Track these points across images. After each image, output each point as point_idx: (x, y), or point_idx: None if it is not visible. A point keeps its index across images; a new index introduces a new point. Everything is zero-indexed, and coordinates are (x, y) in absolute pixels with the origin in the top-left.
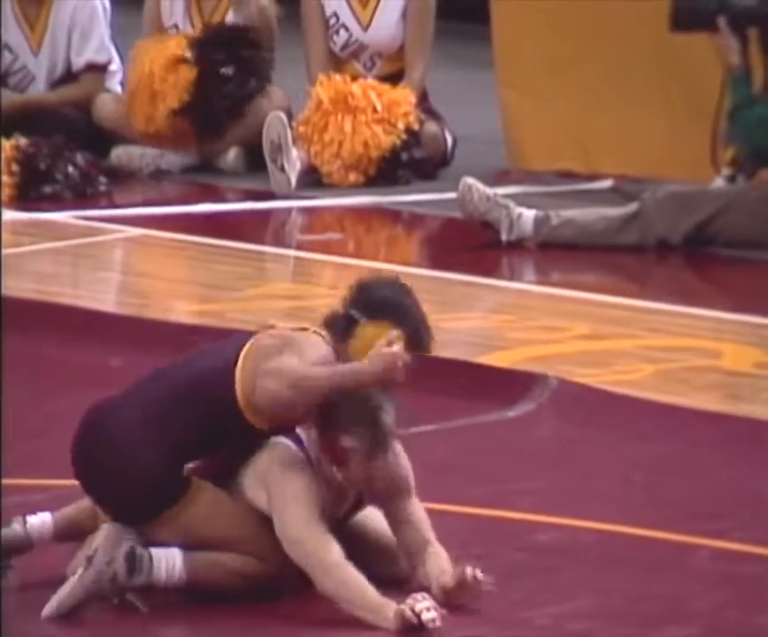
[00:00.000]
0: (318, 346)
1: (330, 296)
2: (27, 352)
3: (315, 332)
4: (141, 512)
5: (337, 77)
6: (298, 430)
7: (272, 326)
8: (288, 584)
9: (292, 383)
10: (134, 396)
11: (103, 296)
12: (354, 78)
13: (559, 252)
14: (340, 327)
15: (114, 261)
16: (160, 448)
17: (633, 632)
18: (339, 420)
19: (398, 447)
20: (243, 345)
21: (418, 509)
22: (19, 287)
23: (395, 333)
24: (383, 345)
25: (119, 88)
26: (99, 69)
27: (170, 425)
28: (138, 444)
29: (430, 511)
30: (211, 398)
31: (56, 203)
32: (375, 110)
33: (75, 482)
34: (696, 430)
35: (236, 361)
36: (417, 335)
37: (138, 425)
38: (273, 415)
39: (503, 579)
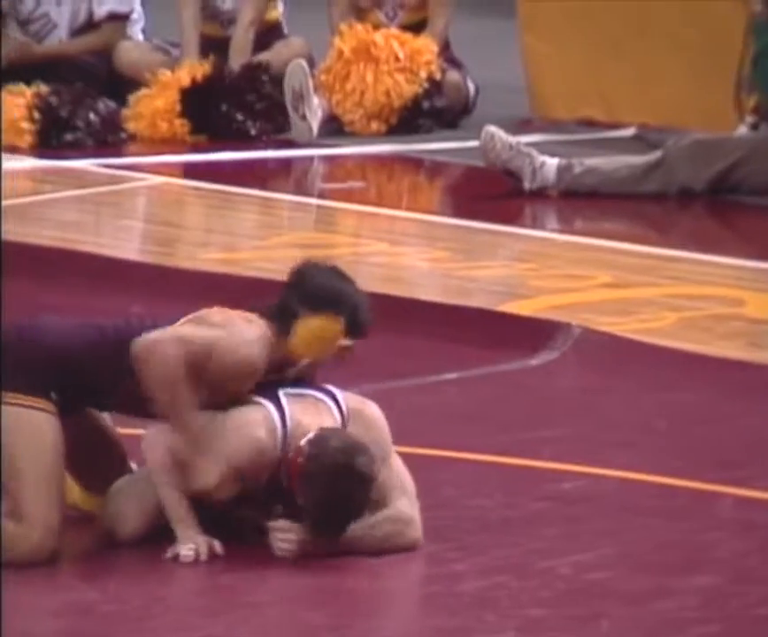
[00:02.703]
0: (254, 330)
1: (352, 245)
2: (48, 300)
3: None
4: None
5: (359, 26)
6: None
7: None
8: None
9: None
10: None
11: (125, 244)
12: (376, 28)
13: (582, 200)
14: (280, 320)
15: (136, 209)
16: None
17: (655, 580)
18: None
19: (374, 410)
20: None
21: (387, 474)
22: (41, 235)
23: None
24: None
25: (140, 36)
26: (120, 18)
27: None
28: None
29: (452, 460)
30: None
31: (77, 150)
32: (397, 59)
33: None
34: (719, 378)
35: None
36: (355, 321)
37: (66, 326)
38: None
39: (525, 528)
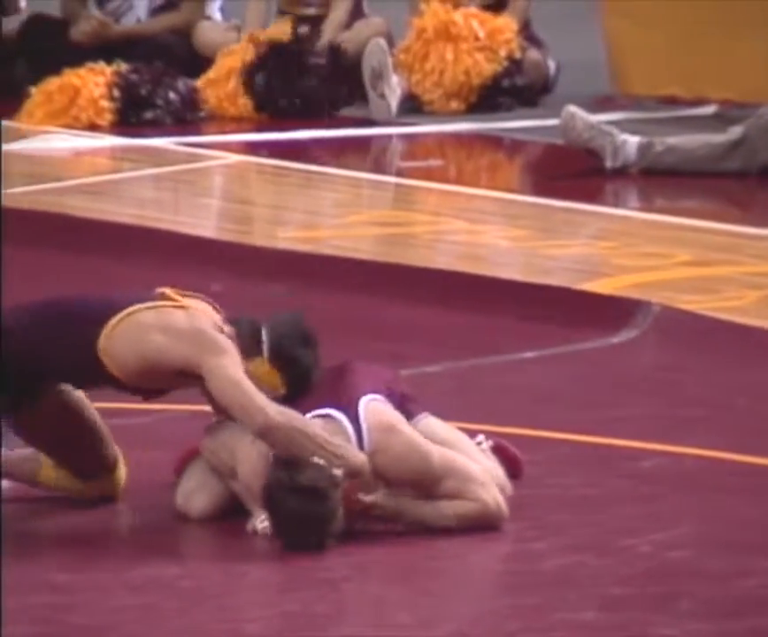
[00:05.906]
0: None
1: (431, 223)
2: (126, 276)
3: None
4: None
5: (439, 6)
6: None
7: (164, 295)
8: None
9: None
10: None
11: (203, 222)
12: (456, 7)
13: (663, 178)
14: (246, 340)
15: (214, 187)
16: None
17: (736, 559)
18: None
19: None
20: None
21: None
22: (120, 212)
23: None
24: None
25: (218, 15)
26: None
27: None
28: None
29: (532, 439)
30: (78, 328)
31: (156, 128)
32: (477, 38)
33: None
34: None
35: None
36: (295, 387)
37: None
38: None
39: (605, 507)
